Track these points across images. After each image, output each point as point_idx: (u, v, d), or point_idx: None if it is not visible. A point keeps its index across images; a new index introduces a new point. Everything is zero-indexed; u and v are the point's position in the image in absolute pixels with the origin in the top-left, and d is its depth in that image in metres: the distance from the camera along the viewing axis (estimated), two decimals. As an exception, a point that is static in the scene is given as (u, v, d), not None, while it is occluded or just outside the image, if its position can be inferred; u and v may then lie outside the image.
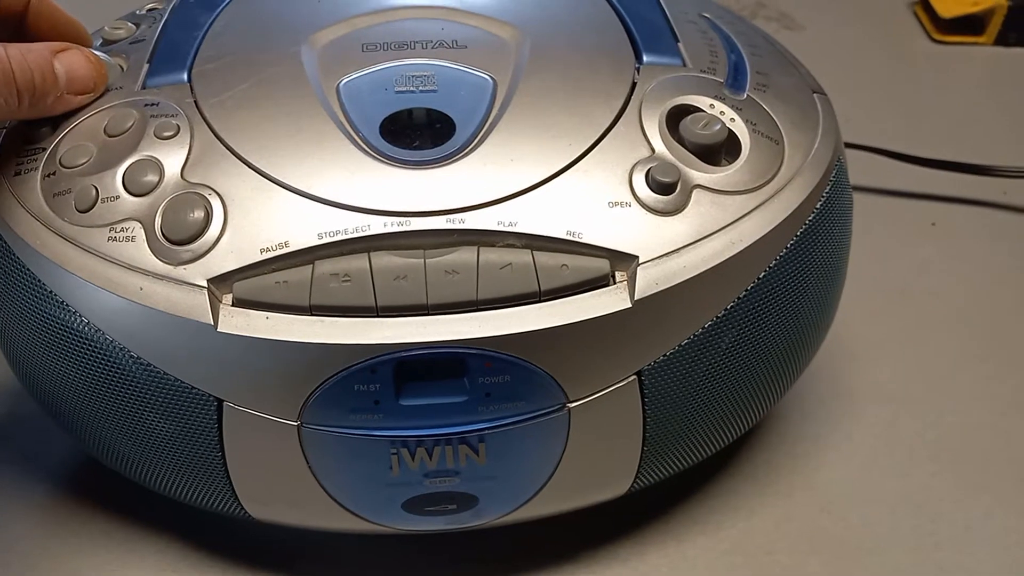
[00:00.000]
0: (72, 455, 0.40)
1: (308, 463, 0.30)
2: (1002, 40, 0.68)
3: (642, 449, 0.32)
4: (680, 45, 0.35)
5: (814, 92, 0.35)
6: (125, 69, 0.34)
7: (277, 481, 0.31)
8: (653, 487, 0.35)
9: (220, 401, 0.29)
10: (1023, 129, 0.61)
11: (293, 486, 0.31)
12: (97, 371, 0.30)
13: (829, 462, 0.41)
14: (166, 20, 0.37)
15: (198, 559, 0.37)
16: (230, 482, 0.31)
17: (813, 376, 0.44)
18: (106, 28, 0.37)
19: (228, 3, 0.37)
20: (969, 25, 0.68)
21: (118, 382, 0.30)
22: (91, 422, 0.32)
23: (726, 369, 0.32)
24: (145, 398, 0.30)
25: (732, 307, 0.30)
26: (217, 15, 0.36)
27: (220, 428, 0.30)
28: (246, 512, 0.33)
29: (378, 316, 0.28)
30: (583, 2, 0.37)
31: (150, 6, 0.40)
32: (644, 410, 0.31)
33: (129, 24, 0.37)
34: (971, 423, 0.42)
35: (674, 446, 0.33)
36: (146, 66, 0.34)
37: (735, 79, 0.34)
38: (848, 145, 0.52)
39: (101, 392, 0.30)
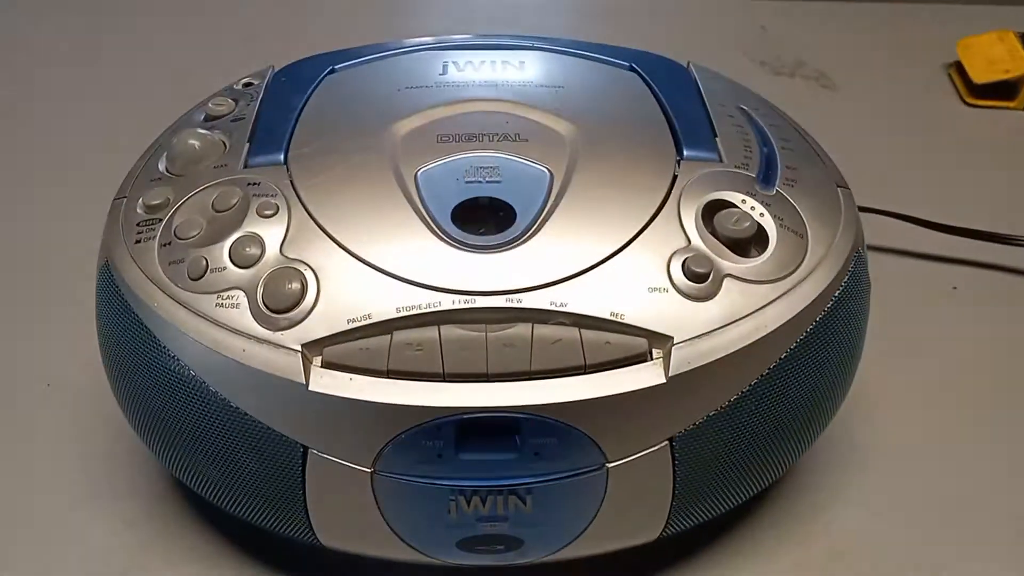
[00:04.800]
0: (160, 478, 0.46)
1: (378, 504, 0.35)
2: (1032, 106, 0.71)
3: (671, 504, 0.36)
4: (717, 140, 0.39)
5: (838, 186, 0.39)
6: (227, 146, 0.39)
7: (350, 518, 0.36)
8: (680, 534, 0.39)
9: (306, 448, 0.34)
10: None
11: (363, 523, 0.35)
12: (201, 415, 0.35)
13: (843, 514, 0.45)
14: (262, 99, 0.42)
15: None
16: (308, 516, 0.36)
17: (830, 432, 0.47)
18: (210, 104, 0.42)
19: (317, 85, 0.42)
20: (1001, 90, 0.72)
21: (219, 426, 0.34)
22: (189, 456, 0.37)
23: (749, 437, 0.35)
24: (241, 441, 0.34)
25: (756, 383, 0.34)
26: (308, 98, 0.41)
27: (304, 470, 0.34)
28: (318, 540, 0.37)
29: (445, 381, 0.33)
30: (632, 97, 0.41)
31: (246, 80, 0.45)
32: (674, 471, 0.35)
33: (229, 100, 0.42)
34: (979, 482, 0.46)
35: (700, 501, 0.37)
36: (247, 145, 0.39)
37: (766, 174, 0.38)
38: (874, 211, 0.55)
39: (203, 433, 0.35)
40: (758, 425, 0.35)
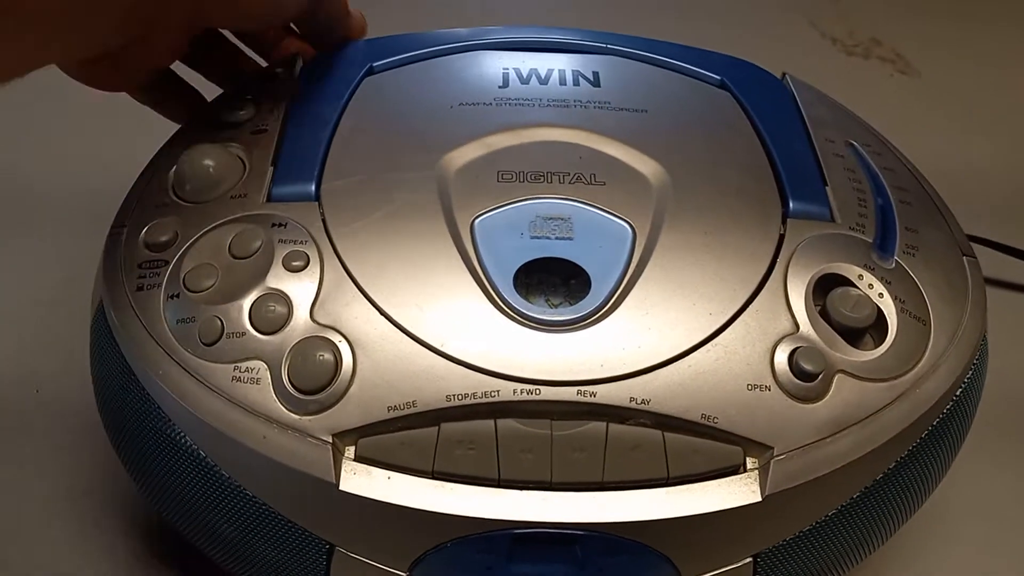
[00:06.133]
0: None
1: (412, 608, 0.30)
2: None
3: (745, 614, 0.32)
4: (828, 190, 0.33)
5: (964, 255, 0.33)
6: (247, 167, 0.33)
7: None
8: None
9: (332, 546, 0.29)
10: None
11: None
12: (211, 497, 0.30)
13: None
14: (287, 108, 0.35)
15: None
16: (331, 611, 0.31)
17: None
18: (225, 107, 0.36)
19: (355, 90, 0.36)
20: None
21: (232, 511, 0.30)
22: (196, 529, 0.32)
23: (841, 547, 0.31)
24: (257, 530, 0.30)
25: (858, 496, 0.29)
26: (344, 108, 0.35)
27: (328, 567, 0.30)
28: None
29: (500, 487, 0.28)
30: (726, 125, 0.35)
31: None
32: (755, 585, 0.30)
33: (248, 101, 0.36)
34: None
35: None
36: (270, 169, 0.33)
37: (884, 239, 0.32)
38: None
39: (213, 514, 0.30)
40: (853, 535, 0.31)
